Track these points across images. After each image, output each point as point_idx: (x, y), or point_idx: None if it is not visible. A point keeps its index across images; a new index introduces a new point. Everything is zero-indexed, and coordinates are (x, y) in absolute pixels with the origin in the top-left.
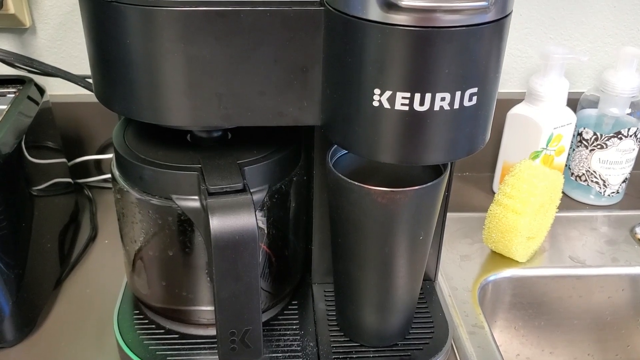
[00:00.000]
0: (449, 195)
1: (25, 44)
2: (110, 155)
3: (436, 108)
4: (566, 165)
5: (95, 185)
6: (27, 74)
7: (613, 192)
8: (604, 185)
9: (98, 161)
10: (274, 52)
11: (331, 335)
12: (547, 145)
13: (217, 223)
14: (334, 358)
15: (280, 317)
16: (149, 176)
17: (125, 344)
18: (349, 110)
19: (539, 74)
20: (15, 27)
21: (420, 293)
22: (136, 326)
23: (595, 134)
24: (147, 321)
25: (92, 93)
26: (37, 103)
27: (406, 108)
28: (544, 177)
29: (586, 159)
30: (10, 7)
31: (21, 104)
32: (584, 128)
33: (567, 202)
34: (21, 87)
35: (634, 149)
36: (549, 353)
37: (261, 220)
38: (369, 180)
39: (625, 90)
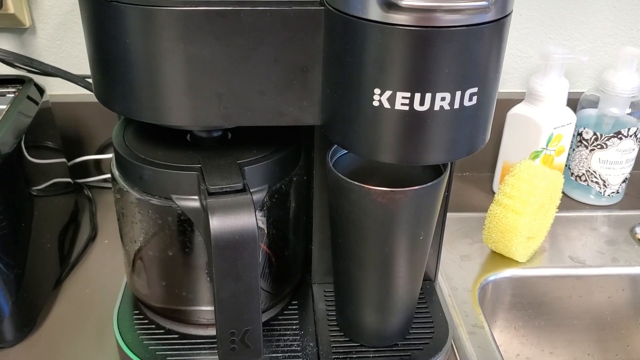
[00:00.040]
0: (449, 195)
1: (25, 43)
2: (110, 155)
3: (436, 108)
4: (566, 165)
5: (95, 185)
6: (27, 74)
7: (613, 192)
8: (604, 185)
9: (98, 161)
10: (274, 51)
11: (331, 336)
12: (547, 145)
13: (217, 223)
14: (334, 358)
15: (280, 317)
16: (149, 176)
17: (125, 344)
18: (349, 110)
19: (539, 74)
20: (15, 27)
21: (420, 293)
22: (136, 326)
23: (595, 134)
24: (147, 321)
25: (92, 93)
26: (36, 103)
27: (406, 108)
28: (544, 177)
29: (586, 159)
30: (10, 6)
31: (21, 103)
32: (584, 128)
33: (567, 202)
34: (21, 87)
35: (634, 149)
36: (549, 353)
37: (261, 220)
38: (369, 180)
39: (625, 90)
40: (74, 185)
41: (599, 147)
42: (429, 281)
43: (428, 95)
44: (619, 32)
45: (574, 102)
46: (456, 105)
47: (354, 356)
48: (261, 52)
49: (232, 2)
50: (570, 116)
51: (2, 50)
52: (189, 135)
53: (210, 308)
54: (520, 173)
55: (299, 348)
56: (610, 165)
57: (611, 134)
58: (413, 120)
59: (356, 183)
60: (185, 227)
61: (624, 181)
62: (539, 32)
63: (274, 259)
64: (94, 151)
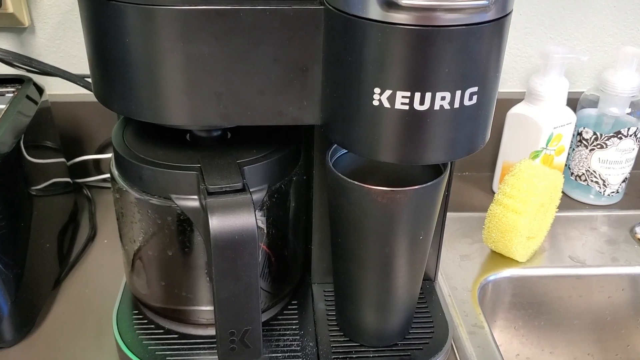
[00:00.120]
0: (448, 195)
1: (24, 43)
2: (109, 155)
3: (436, 107)
4: (566, 165)
5: (95, 185)
6: (26, 74)
7: (613, 192)
8: (604, 184)
9: (97, 161)
10: (274, 51)
11: (331, 335)
12: (547, 145)
13: (217, 223)
14: (334, 358)
15: (280, 317)
16: (148, 176)
17: (125, 344)
18: (348, 110)
19: (538, 74)
20: (14, 27)
21: (420, 293)
22: (135, 326)
23: (595, 133)
24: (146, 321)
25: (91, 92)
26: (35, 102)
27: (406, 107)
28: (544, 176)
29: (586, 158)
30: (9, 6)
31: (20, 103)
32: (584, 128)
33: (567, 202)
34: (20, 87)
35: (633, 149)
36: (548, 353)
37: (261, 220)
38: (368, 180)
39: (625, 89)
40: (73, 185)
41: (598, 146)
42: (429, 281)
43: (428, 95)
44: (618, 32)
45: (573, 102)
46: (456, 105)
47: (354, 356)
48: (261, 51)
49: (231, 1)
50: (570, 116)
51: (1, 50)
52: (188, 134)
53: (210, 308)
54: (520, 173)
55: (298, 348)
56: (610, 165)
57: (611, 134)
58: (413, 120)
59: (356, 183)
60: (184, 227)
61: (623, 181)
62: (539, 32)
63: (274, 259)
64: (94, 151)
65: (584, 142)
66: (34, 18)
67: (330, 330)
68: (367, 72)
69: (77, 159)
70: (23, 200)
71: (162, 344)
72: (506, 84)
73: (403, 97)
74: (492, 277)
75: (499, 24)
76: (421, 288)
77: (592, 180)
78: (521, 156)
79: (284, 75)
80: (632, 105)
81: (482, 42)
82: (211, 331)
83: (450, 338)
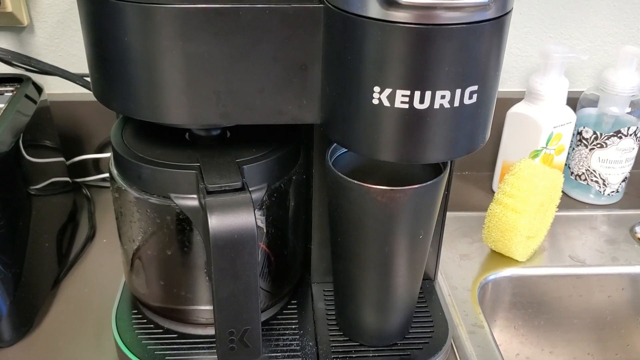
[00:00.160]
0: (448, 194)
1: (23, 42)
2: (108, 154)
3: (436, 106)
4: (566, 164)
5: (94, 185)
6: (25, 73)
7: (613, 192)
8: (604, 184)
9: (96, 160)
10: (273, 49)
11: (330, 335)
12: (546, 144)
13: (216, 222)
14: (334, 358)
15: (280, 317)
16: (147, 175)
17: (124, 343)
18: (348, 109)
19: (538, 73)
20: (13, 26)
21: (419, 292)
22: (134, 326)
23: (595, 133)
24: (145, 321)
25: (91, 92)
26: (34, 102)
27: (406, 106)
28: (544, 176)
29: (586, 158)
30: (8, 5)
31: (19, 102)
32: (584, 127)
33: (567, 202)
34: (19, 86)
35: (633, 148)
36: (548, 352)
37: (260, 219)
38: (368, 179)
39: (625, 89)
40: (73, 184)
41: (598, 146)
42: (429, 280)
43: (428, 93)
44: (618, 31)
45: (573, 101)
46: (456, 104)
47: (354, 356)
48: (260, 50)
49: (231, 0)
50: (570, 115)
51: (0, 49)
52: (187, 133)
53: (209, 307)
54: (520, 172)
55: (298, 347)
56: (610, 165)
57: (611, 133)
58: (413, 119)
59: (356, 182)
60: (184, 226)
61: (623, 180)
62: (539, 31)
63: (273, 258)
64: (93, 150)
65: (584, 141)
66: (33, 17)
67: (330, 329)
68: (367, 70)
69: (76, 158)
70: (22, 199)
71: (162, 344)
72: (506, 83)
73: (403, 95)
74: (492, 277)
75: (499, 22)
76: (421, 287)
77: (592, 180)
78: (521, 155)
79: (283, 74)
80: (632, 104)
81: (482, 40)
82: (210, 331)
83: (450, 337)
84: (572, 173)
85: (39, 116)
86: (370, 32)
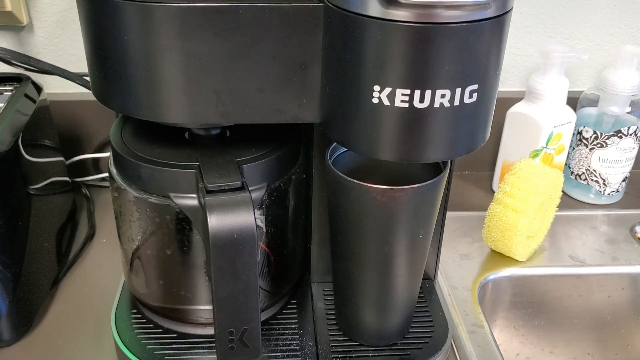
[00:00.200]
0: (448, 194)
1: (23, 41)
2: (108, 154)
3: (436, 105)
4: (566, 164)
5: (93, 184)
6: (24, 72)
7: (613, 191)
8: (604, 184)
9: (96, 160)
10: (273, 48)
11: (330, 335)
12: (547, 144)
13: (216, 221)
14: (333, 357)
15: (279, 316)
16: (147, 174)
17: (123, 343)
18: (348, 108)
19: (538, 73)
20: (13, 25)
21: (419, 292)
22: (134, 325)
23: (595, 132)
24: (145, 320)
25: (90, 91)
26: (34, 101)
27: (406, 105)
28: (544, 175)
29: (586, 157)
30: (8, 4)
31: (18, 101)
32: (584, 127)
33: (567, 201)
34: (18, 85)
35: (633, 148)
36: (548, 352)
37: (260, 219)
38: (368, 178)
39: (625, 88)
40: (72, 184)
41: (598, 145)
42: (429, 280)
43: (428, 92)
44: (619, 31)
45: (573, 101)
46: (456, 103)
47: (353, 355)
48: (260, 49)
49: None
50: (570, 115)
51: (0, 48)
52: (187, 133)
53: (209, 307)
54: (520, 172)
55: (297, 347)
56: (610, 164)
57: (611, 133)
58: (413, 118)
59: (355, 181)
60: (183, 226)
61: (623, 180)
62: (539, 31)
63: (273, 258)
64: (92, 150)
65: (584, 141)
66: (32, 16)
67: (330, 329)
68: (367, 69)
69: (76, 157)
70: (21, 199)
71: (161, 343)
72: (506, 83)
73: (403, 94)
74: (492, 277)
75: (499, 21)
76: (421, 287)
77: (592, 180)
78: (521, 155)
79: (283, 73)
80: (632, 104)
81: (482, 39)
82: (210, 330)
83: (450, 337)
84: (572, 173)
85: (38, 115)
86: (370, 30)
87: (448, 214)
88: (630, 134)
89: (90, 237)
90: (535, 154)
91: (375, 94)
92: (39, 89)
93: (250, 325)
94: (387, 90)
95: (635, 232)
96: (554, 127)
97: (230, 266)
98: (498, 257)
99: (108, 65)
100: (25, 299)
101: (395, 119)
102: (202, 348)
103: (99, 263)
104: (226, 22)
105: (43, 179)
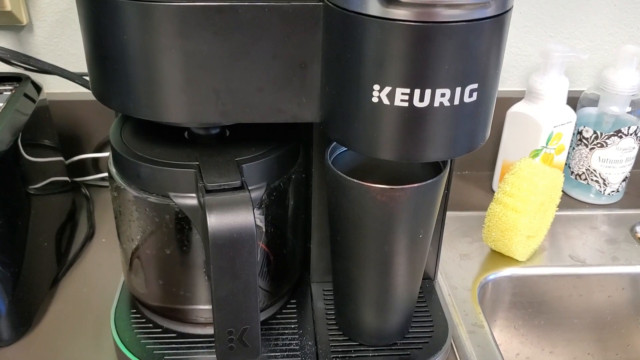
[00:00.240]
0: (448, 193)
1: (22, 41)
2: (107, 154)
3: (436, 104)
4: (566, 163)
5: (93, 184)
6: (24, 72)
7: (613, 191)
8: (604, 184)
9: (96, 159)
10: (273, 48)
11: (330, 335)
12: (547, 144)
13: (215, 220)
14: (333, 357)
15: (279, 316)
16: (146, 174)
17: (123, 343)
18: (348, 107)
19: (538, 72)
20: (12, 25)
21: (419, 292)
22: (133, 325)
23: (595, 132)
24: (144, 320)
25: (90, 91)
26: (33, 101)
27: (406, 104)
28: (544, 175)
29: (586, 157)
30: (7, 4)
31: (17, 101)
32: (584, 126)
33: (567, 201)
34: (18, 85)
35: (634, 148)
36: (549, 352)
37: (259, 219)
38: (368, 178)
39: (625, 88)
40: (72, 183)
41: (599, 145)
42: (429, 280)
43: (428, 92)
44: (619, 31)
45: (574, 101)
46: (456, 102)
47: (353, 355)
48: (259, 48)
49: None
50: (570, 114)
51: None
52: (186, 132)
53: (208, 307)
54: (520, 171)
55: (297, 347)
56: (610, 164)
57: (611, 133)
58: (412, 117)
59: (355, 180)
60: (182, 225)
61: (624, 180)
62: (539, 30)
63: (272, 258)
64: (92, 149)
65: (584, 141)
66: (32, 16)
67: (329, 329)
68: (367, 68)
69: (76, 157)
70: (21, 199)
71: (160, 343)
72: (506, 83)
73: (402, 93)
74: (492, 276)
75: (499, 20)
76: (421, 287)
77: (592, 179)
78: (521, 155)
79: (282, 73)
80: (633, 104)
81: (482, 38)
82: (209, 330)
83: (449, 337)
84: (572, 172)
85: (37, 115)
86: (370, 30)
87: (448, 213)
88: (631, 134)
89: (89, 236)
90: (535, 154)
91: (375, 93)
92: (38, 88)
93: (249, 325)
94: (387, 89)
95: (636, 232)
96: (554, 126)
97: (230, 266)
98: (498, 257)
99: (107, 65)
100: (25, 299)
101: (395, 118)
102: (202, 348)
103: (98, 263)
104: (226, 21)
105: (42, 178)
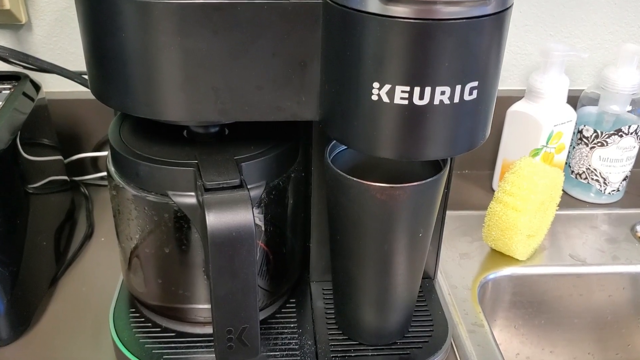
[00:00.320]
0: (448, 192)
1: (21, 40)
2: (106, 153)
3: (436, 102)
4: (566, 163)
5: (92, 183)
6: (23, 70)
7: (613, 190)
8: (604, 183)
9: (94, 158)
10: (272, 45)
11: (329, 334)
12: (547, 143)
13: (214, 219)
14: (332, 357)
15: (278, 315)
16: (145, 172)
17: (121, 342)
18: (347, 105)
19: (539, 71)
20: (11, 23)
21: (419, 291)
22: (132, 324)
23: (595, 131)
24: (143, 319)
25: (89, 90)
26: (32, 99)
27: (405, 102)
28: (545, 174)
29: (586, 156)
30: (6, 3)
31: (16, 100)
32: (584, 125)
33: (567, 200)
34: (16, 84)
35: (634, 147)
36: (549, 352)
37: (258, 217)
38: (368, 177)
39: (625, 87)
40: (70, 182)
41: (599, 144)
42: (429, 279)
43: (428, 89)
44: (619, 29)
45: (574, 100)
46: (456, 100)
47: (353, 355)
48: (259, 46)
49: None
50: (570, 113)
51: None
52: (185, 131)
53: (207, 306)
54: (520, 170)
55: (296, 346)
56: (611, 163)
57: (611, 132)
58: (412, 115)
59: (355, 179)
60: (181, 224)
61: (624, 179)
62: (539, 29)
63: (272, 257)
64: (91, 149)
65: (584, 140)
66: (30, 15)
67: (329, 328)
68: (366, 66)
69: (74, 156)
70: (19, 198)
71: (159, 342)
72: (506, 82)
73: (402, 91)
74: (492, 276)
75: (499, 17)
76: (420, 286)
77: (592, 179)
78: (521, 154)
79: (282, 71)
80: (633, 102)
81: (483, 36)
82: (208, 329)
83: (449, 337)
84: (572, 172)
85: (36, 114)
86: (370, 27)
87: (448, 212)
88: (631, 133)
89: (88, 235)
90: (535, 153)
91: (375, 91)
92: (37, 87)
93: (248, 324)
94: (387, 87)
95: (636, 232)
96: (554, 125)
97: (229, 265)
98: (498, 256)
99: (106, 63)
100: (24, 298)
101: (395, 116)
102: (201, 347)
103: (97, 262)
104: (225, 19)
105: (41, 177)
